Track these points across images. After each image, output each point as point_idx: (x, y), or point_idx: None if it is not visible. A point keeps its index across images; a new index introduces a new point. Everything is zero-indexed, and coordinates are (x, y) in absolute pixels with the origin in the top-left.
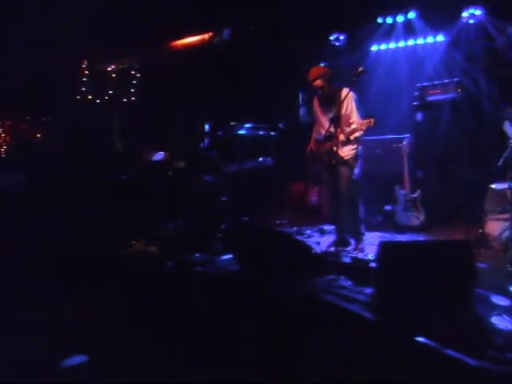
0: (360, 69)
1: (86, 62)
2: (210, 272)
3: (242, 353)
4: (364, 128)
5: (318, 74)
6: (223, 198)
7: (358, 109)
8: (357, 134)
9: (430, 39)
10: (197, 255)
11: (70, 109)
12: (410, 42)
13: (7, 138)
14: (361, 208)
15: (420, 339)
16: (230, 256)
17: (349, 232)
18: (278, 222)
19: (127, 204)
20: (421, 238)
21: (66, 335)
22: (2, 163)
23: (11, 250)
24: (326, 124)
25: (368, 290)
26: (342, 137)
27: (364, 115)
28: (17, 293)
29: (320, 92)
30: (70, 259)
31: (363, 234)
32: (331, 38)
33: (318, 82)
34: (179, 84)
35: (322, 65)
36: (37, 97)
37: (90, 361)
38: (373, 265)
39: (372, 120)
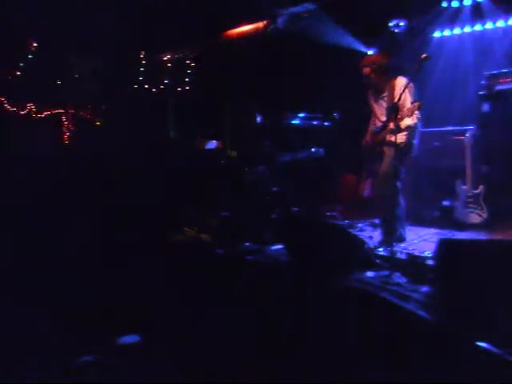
0: (424, 55)
1: (143, 52)
2: (260, 261)
3: (290, 345)
4: (410, 113)
5: (367, 62)
6: (275, 188)
7: (414, 98)
8: (408, 122)
9: (500, 23)
10: (247, 244)
11: (128, 97)
12: (478, 27)
13: (70, 126)
14: (401, 204)
15: (481, 344)
16: (280, 246)
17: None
18: (328, 213)
19: (181, 191)
20: (482, 236)
21: (119, 316)
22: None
23: (70, 235)
24: (380, 114)
25: (424, 289)
26: (391, 125)
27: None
28: (73, 276)
29: (369, 81)
30: (124, 244)
31: (396, 233)
32: (390, 24)
33: (366, 70)
34: (233, 73)
35: (373, 53)
36: (97, 85)
37: (141, 341)
38: (430, 262)
39: (417, 104)
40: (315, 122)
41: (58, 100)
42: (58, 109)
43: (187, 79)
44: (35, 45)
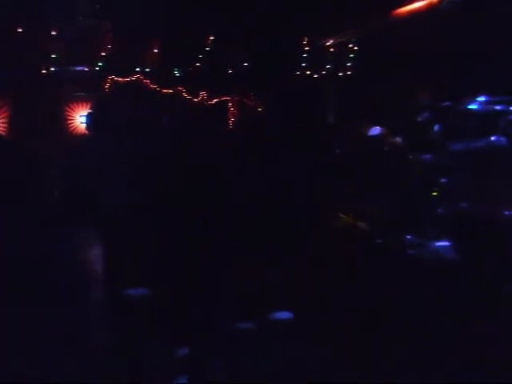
0: None
1: (306, 39)
2: (424, 257)
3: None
4: None
5: None
6: (443, 180)
7: None
8: None
9: None
10: (408, 237)
11: (290, 84)
12: None
13: (234, 112)
14: None
15: None
16: (446, 243)
17: None
18: (508, 213)
19: (339, 177)
20: None
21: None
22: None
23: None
24: None
25: None
26: None
27: None
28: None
29: None
30: (285, 228)
31: None
32: None
33: None
34: (400, 54)
35: None
36: (261, 73)
37: (294, 318)
38: None
39: None
40: (498, 107)
41: (225, 88)
42: (225, 96)
43: (349, 64)
44: (212, 38)
